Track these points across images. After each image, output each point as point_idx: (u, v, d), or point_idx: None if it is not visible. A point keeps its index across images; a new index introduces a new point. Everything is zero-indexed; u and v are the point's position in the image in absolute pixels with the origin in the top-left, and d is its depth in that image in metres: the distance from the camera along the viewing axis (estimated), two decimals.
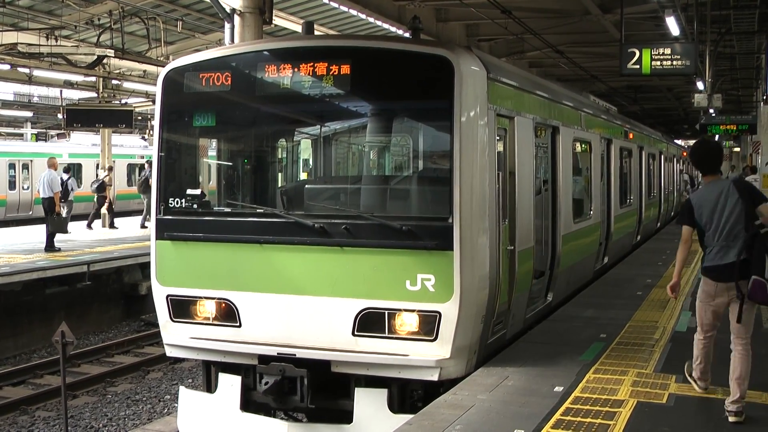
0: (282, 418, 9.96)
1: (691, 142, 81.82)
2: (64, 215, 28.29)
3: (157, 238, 9.90)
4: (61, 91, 35.18)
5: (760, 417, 7.61)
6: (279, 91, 9.54)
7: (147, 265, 11.71)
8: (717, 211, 7.73)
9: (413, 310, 8.76)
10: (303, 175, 11.59)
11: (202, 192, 10.31)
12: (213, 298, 9.58)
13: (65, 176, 28.72)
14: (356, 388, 9.09)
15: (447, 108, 8.76)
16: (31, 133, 52.46)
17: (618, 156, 18.59)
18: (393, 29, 24.16)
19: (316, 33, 11.13)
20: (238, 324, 9.45)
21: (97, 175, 31.89)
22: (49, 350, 18.34)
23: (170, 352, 10.10)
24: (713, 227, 7.76)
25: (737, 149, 60.22)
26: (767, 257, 7.36)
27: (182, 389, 10.26)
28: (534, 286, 11.55)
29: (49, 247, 22.43)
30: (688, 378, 8.48)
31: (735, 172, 47.35)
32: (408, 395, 9.17)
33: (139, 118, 38.57)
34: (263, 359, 9.29)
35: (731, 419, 7.43)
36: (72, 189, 28.79)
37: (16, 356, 18.47)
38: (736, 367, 7.61)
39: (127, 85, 32.23)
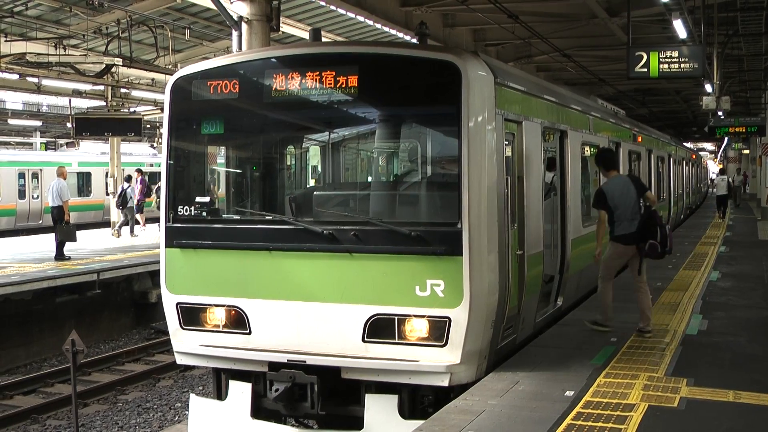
0: (293, 425, 9.96)
1: (701, 145, 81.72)
2: (121, 222, 29.22)
3: (166, 246, 9.91)
4: (69, 100, 35.27)
5: None
6: (287, 98, 9.55)
7: (157, 272, 11.73)
8: (623, 197, 10.93)
9: (423, 316, 8.75)
10: (311, 182, 11.59)
11: (210, 199, 10.32)
12: (222, 306, 9.58)
13: (126, 185, 29.66)
14: (366, 395, 9.08)
15: (455, 113, 8.76)
16: (41, 143, 52.62)
17: (627, 159, 18.55)
18: (400, 35, 24.20)
19: (324, 39, 11.13)
20: (247, 331, 9.45)
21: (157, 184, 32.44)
22: (59, 359, 18.38)
23: (180, 360, 10.11)
24: (622, 209, 10.93)
25: (746, 151, 60.14)
26: (659, 228, 10.92)
27: (193, 397, 10.27)
28: (544, 290, 11.54)
29: (59, 255, 22.47)
30: (595, 327, 11.27)
31: (741, 175, 47.40)
32: (418, 401, 9.15)
33: (148, 126, 38.65)
34: (273, 366, 9.29)
35: (646, 335, 10.97)
36: (131, 197, 29.42)
37: (27, 365, 18.53)
38: (642, 302, 11.18)
39: (135, 93, 32.34)
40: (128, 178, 30.79)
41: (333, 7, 21.44)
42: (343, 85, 9.19)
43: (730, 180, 42.37)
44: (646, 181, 21.99)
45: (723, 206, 36.05)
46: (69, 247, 23.19)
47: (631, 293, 14.45)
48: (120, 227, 30.59)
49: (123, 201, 29.96)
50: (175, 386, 16.69)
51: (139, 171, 33.20)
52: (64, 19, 25.20)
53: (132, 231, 30.42)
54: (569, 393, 8.44)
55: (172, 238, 9.86)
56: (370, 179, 11.50)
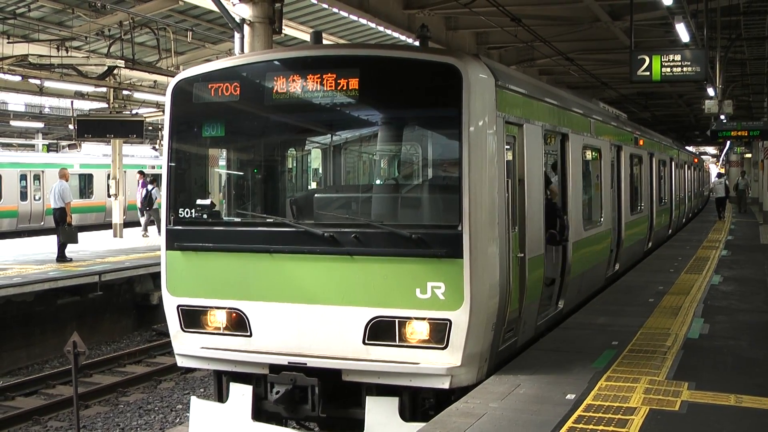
0: (293, 428, 9.96)
1: (703, 148, 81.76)
2: (144, 223, 29.60)
3: (167, 249, 9.91)
4: (72, 102, 35.30)
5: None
6: (288, 101, 9.54)
7: (158, 275, 11.78)
8: None
9: (424, 318, 8.74)
10: (312, 184, 11.59)
11: (212, 202, 10.32)
12: (223, 308, 9.58)
13: (150, 187, 30.30)
14: (367, 397, 9.07)
15: (456, 116, 8.75)
16: (43, 144, 52.67)
17: (628, 163, 18.55)
18: (402, 38, 24.19)
19: (325, 42, 11.13)
20: (248, 333, 9.45)
21: None
22: (61, 360, 18.38)
23: (181, 362, 10.10)
24: None
25: (749, 155, 60.08)
26: (558, 219, 12.03)
27: (194, 399, 10.26)
28: (545, 293, 11.53)
29: (61, 257, 22.49)
30: None
31: (746, 178, 47.35)
32: (419, 403, 9.15)
33: (150, 128, 38.67)
34: (274, 368, 9.29)
35: None
36: (156, 198, 29.84)
37: (28, 366, 18.53)
38: None
39: (137, 95, 32.36)
40: (153, 180, 30.98)
41: (335, 10, 21.43)
42: (344, 88, 9.19)
43: (737, 183, 46.35)
44: (648, 185, 22.04)
45: (721, 207, 39.40)
46: (71, 249, 23.20)
47: (634, 297, 14.59)
48: (146, 227, 31.17)
49: (149, 202, 30.30)
50: (176, 388, 16.68)
51: (141, 173, 33.20)
52: (66, 21, 25.22)
53: (159, 231, 30.79)
54: (570, 396, 8.43)
55: (173, 241, 9.86)
56: (371, 182, 11.49)
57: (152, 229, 31.01)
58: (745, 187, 49.20)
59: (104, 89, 30.31)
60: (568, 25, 26.37)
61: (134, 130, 29.67)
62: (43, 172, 40.48)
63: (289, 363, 9.17)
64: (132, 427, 14.28)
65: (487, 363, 9.19)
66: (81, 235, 24.54)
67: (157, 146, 48.46)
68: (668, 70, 17.51)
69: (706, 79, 21.30)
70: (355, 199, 10.49)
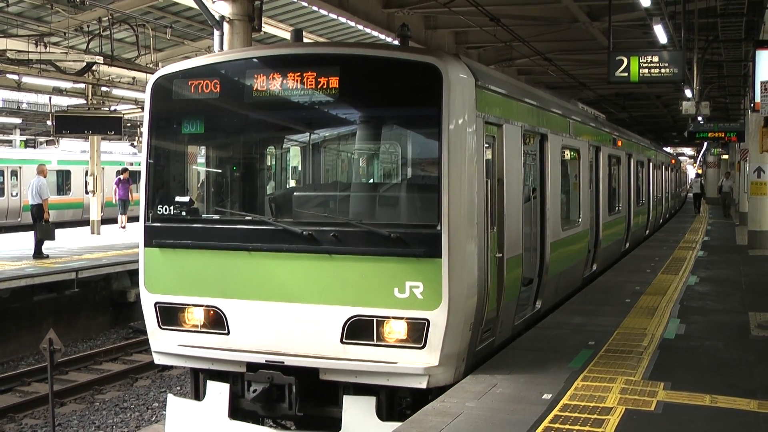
0: (270, 426, 9.94)
1: (680, 149, 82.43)
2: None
3: (145, 245, 9.88)
4: (50, 98, 35.06)
5: (750, 423, 7.65)
6: (267, 99, 9.53)
7: (135, 272, 11.68)
8: None
9: (402, 318, 8.75)
10: (291, 182, 11.57)
11: (190, 199, 10.29)
12: (201, 306, 9.56)
13: None
14: (344, 396, 9.08)
15: (435, 115, 8.76)
16: (20, 140, 52.34)
17: (606, 163, 18.63)
18: (382, 37, 24.21)
19: (305, 40, 11.11)
20: (226, 331, 9.44)
21: None
22: (36, 357, 18.30)
23: (158, 360, 10.07)
24: None
25: (725, 156, 60.47)
26: None
27: (170, 397, 10.22)
28: (522, 293, 11.55)
29: (38, 254, 22.36)
30: None
31: (730, 179, 47.46)
32: (396, 403, 9.16)
33: (128, 125, 38.48)
34: (251, 367, 9.27)
35: None
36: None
37: (3, 363, 18.41)
38: None
39: (116, 92, 32.15)
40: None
41: (315, 8, 21.43)
42: (324, 86, 9.18)
43: (720, 184, 48.71)
44: (626, 186, 22.17)
45: (697, 202, 46.99)
46: (48, 246, 23.07)
47: (611, 297, 14.65)
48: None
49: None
50: (153, 386, 16.64)
51: (125, 170, 33.02)
52: (45, 16, 25.06)
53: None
54: (547, 396, 8.46)
55: (152, 238, 9.84)
56: (350, 180, 11.48)
57: (130, 225, 30.87)
58: (730, 190, 45.11)
59: (83, 85, 30.13)
60: (547, 25, 26.45)
61: (112, 127, 29.54)
62: (20, 168, 40.21)
63: (266, 361, 9.16)
64: (108, 425, 14.23)
65: (464, 362, 9.21)
66: (58, 232, 24.40)
67: (135, 143, 48.21)
68: (646, 71, 17.58)
69: (683, 81, 21.42)
70: (334, 198, 10.48)
